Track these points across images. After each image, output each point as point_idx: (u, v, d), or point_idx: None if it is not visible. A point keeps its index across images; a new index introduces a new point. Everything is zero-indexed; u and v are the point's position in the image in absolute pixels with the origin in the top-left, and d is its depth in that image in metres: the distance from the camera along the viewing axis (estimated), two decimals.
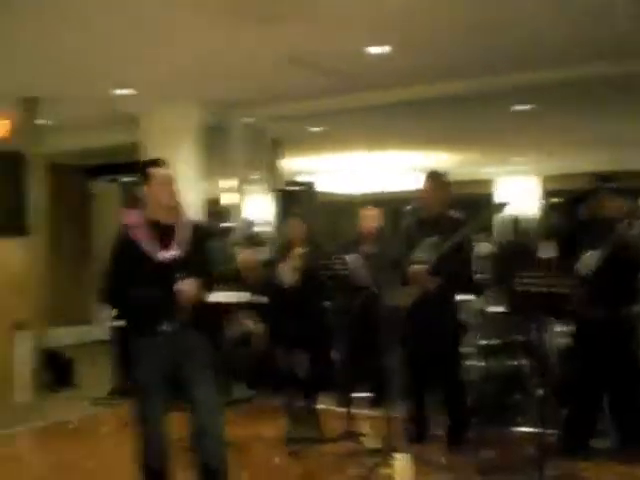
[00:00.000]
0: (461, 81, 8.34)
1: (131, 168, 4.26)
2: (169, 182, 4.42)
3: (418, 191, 6.07)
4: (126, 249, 4.31)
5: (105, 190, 12.43)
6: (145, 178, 4.39)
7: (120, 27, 6.41)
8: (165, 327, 4.30)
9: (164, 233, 4.35)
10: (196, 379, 4.36)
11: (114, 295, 4.39)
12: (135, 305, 4.31)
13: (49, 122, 9.53)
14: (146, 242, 4.29)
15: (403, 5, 5.93)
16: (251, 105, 9.72)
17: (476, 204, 6.20)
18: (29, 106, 8.82)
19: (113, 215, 4.43)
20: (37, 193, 8.64)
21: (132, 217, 4.37)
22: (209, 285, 4.58)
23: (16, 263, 8.19)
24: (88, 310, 12.60)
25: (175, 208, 4.47)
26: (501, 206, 6.03)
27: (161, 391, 4.31)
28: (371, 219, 7.26)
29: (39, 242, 8.75)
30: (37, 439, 6.95)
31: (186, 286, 4.25)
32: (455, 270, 5.67)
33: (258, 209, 12.83)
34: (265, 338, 7.43)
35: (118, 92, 8.64)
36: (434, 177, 6.08)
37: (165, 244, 4.32)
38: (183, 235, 4.39)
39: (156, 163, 4.51)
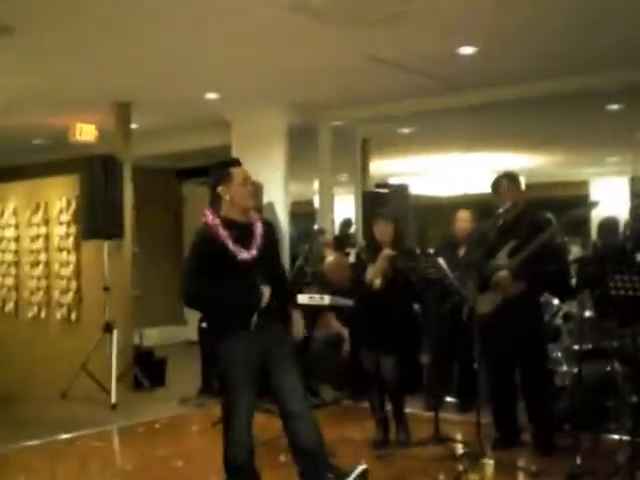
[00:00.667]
0: (554, 81, 8.18)
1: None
2: (247, 183, 4.44)
3: (495, 194, 5.86)
4: (207, 248, 4.32)
5: (196, 193, 12.60)
6: (223, 178, 4.40)
7: (211, 32, 6.51)
8: (249, 325, 4.32)
9: (242, 232, 4.36)
10: (284, 368, 4.39)
11: (196, 295, 4.35)
12: (218, 305, 4.33)
13: (141, 126, 9.73)
14: (228, 241, 4.30)
15: (493, 5, 5.86)
16: (341, 107, 9.73)
17: (570, 206, 6.01)
18: (122, 111, 9.04)
19: (203, 217, 4.44)
20: (130, 196, 8.84)
21: (211, 217, 4.38)
22: (288, 296, 4.76)
23: (109, 264, 8.36)
24: (181, 311, 12.79)
25: (251, 208, 4.52)
26: (591, 206, 5.82)
27: (249, 389, 4.32)
28: (465, 221, 7.17)
29: (131, 244, 8.95)
30: (127, 437, 7.06)
31: (267, 291, 4.33)
32: (542, 272, 5.54)
33: (346, 210, 12.79)
34: (352, 341, 7.42)
35: (208, 96, 8.77)
36: (510, 178, 5.91)
37: (244, 243, 4.34)
38: (260, 234, 4.42)
39: (234, 163, 4.51)
